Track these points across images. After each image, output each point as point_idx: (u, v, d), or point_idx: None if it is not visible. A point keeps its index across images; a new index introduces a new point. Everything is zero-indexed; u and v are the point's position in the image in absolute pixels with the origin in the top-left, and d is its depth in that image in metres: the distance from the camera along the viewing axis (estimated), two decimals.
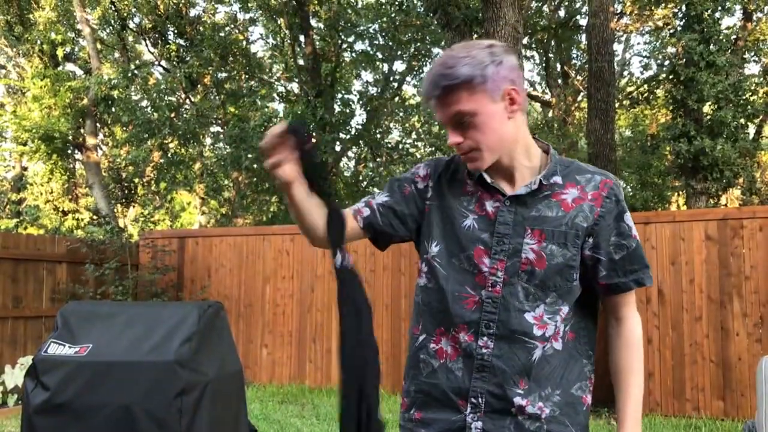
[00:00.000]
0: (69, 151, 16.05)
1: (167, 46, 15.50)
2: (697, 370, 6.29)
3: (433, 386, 1.60)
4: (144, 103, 14.09)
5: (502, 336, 1.54)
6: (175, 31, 15.59)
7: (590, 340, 1.67)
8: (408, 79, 17.77)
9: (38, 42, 15.27)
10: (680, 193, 16.51)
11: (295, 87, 16.53)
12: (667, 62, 11.92)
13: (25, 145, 15.17)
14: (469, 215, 1.62)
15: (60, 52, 15.57)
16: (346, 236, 1.70)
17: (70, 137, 14.73)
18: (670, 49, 11.96)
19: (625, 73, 19.71)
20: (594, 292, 1.65)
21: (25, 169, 19.35)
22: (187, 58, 14.70)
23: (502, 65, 1.56)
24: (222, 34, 15.13)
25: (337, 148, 14.99)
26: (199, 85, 15.31)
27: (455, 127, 1.57)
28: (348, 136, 14.97)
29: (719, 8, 10.95)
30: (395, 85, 17.64)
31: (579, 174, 1.63)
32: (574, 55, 19.12)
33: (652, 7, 13.48)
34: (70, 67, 17.08)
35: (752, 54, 13.80)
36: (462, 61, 1.54)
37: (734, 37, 12.43)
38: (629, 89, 17.53)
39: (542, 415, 1.56)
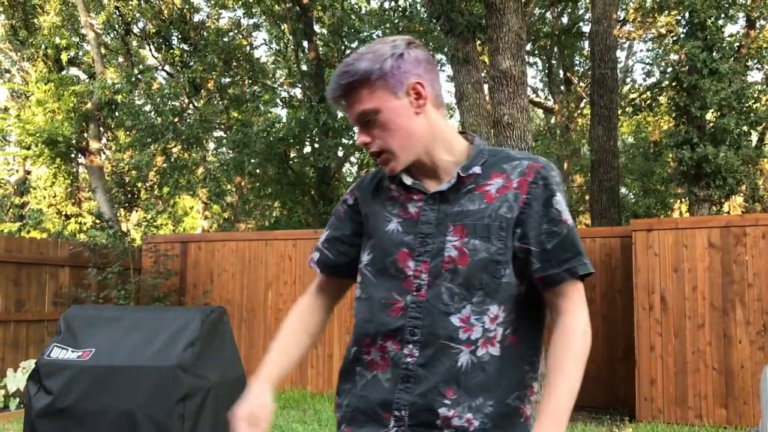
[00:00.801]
0: (72, 155, 16.09)
1: (171, 50, 15.54)
2: (700, 377, 6.28)
3: (362, 399, 1.52)
4: (147, 107, 14.11)
5: (427, 342, 1.45)
6: (179, 36, 15.63)
7: (534, 344, 1.52)
8: None
9: (42, 46, 15.32)
10: (683, 200, 16.50)
11: (298, 92, 16.56)
12: (670, 69, 11.92)
13: (28, 148, 15.21)
14: (392, 219, 1.55)
15: (64, 57, 15.62)
16: (332, 301, 1.75)
17: (74, 141, 14.76)
18: (673, 57, 11.97)
19: (628, 80, 19.73)
20: (537, 290, 1.50)
21: (28, 172, 19.38)
22: (191, 63, 14.74)
23: (403, 58, 1.48)
24: (226, 39, 15.15)
25: (340, 154, 15.00)
26: (202, 90, 15.34)
27: (362, 127, 1.51)
28: (351, 142, 14.97)
29: (722, 16, 10.96)
30: None
31: (506, 162, 1.53)
32: (577, 62, 19.16)
33: (655, 15, 13.49)
34: (74, 71, 17.13)
35: (755, 61, 13.81)
36: (363, 57, 1.48)
37: (737, 44, 12.45)
38: (632, 96, 17.55)
39: (470, 428, 1.42)
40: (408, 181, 1.55)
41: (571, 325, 1.46)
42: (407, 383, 1.45)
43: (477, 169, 1.51)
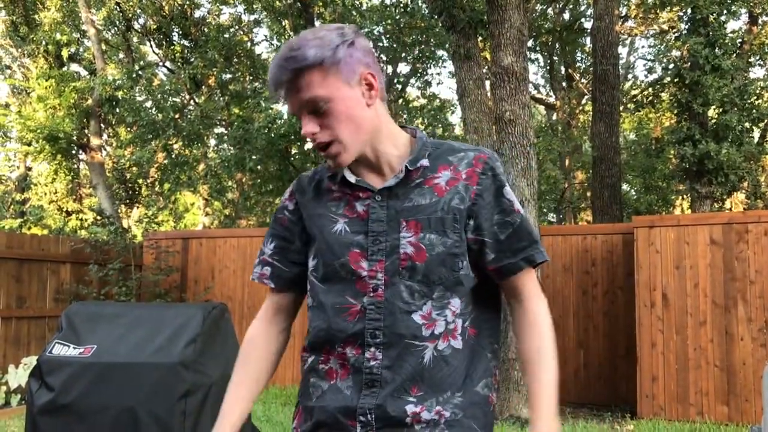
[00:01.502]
0: (73, 152, 16.08)
1: (172, 47, 15.52)
2: (701, 374, 6.27)
3: (322, 410, 1.45)
4: (148, 103, 14.10)
5: (391, 343, 1.40)
6: (180, 32, 15.61)
7: (494, 332, 1.52)
8: (412, 81, 17.75)
9: (43, 42, 15.30)
10: (685, 196, 16.48)
11: None
12: (672, 66, 11.90)
13: (29, 145, 15.21)
14: (339, 220, 1.48)
15: (65, 53, 15.60)
16: (290, 321, 1.66)
17: (75, 137, 14.76)
18: (675, 53, 11.94)
19: (630, 76, 19.69)
20: (491, 280, 1.50)
21: (29, 169, 19.39)
22: (192, 59, 14.72)
23: (355, 47, 1.42)
24: (227, 36, 15.13)
25: None
26: (203, 86, 15.33)
27: (309, 116, 1.42)
28: None
29: (725, 12, 10.92)
30: (399, 87, 17.63)
31: (451, 154, 1.50)
32: (579, 58, 19.12)
33: (657, 11, 13.47)
34: (74, 67, 17.12)
35: (758, 58, 13.78)
36: (310, 43, 1.40)
37: (740, 40, 12.41)
38: (634, 92, 17.51)
39: (441, 420, 1.40)
40: (351, 178, 1.48)
41: (536, 312, 1.48)
42: (372, 388, 1.41)
43: (425, 162, 1.47)
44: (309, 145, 15.07)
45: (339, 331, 1.43)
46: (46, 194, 18.15)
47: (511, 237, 1.46)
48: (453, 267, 1.43)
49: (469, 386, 1.45)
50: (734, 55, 11.13)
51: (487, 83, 9.50)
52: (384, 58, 16.90)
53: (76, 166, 17.62)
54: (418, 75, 17.55)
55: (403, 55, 16.82)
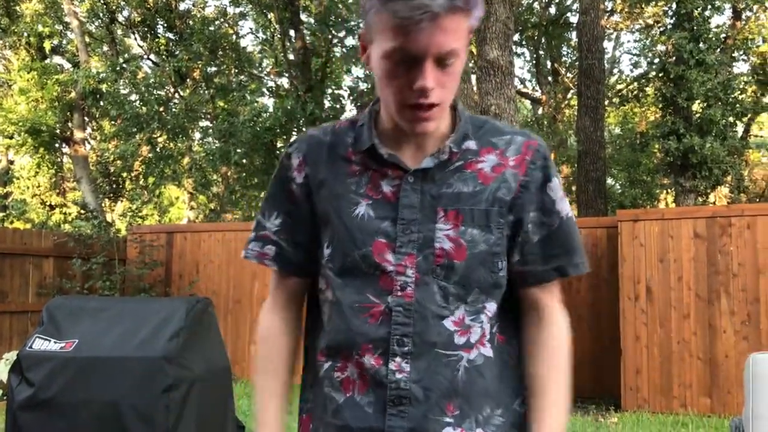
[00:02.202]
0: (56, 145, 15.95)
1: (156, 39, 15.41)
2: (685, 367, 6.32)
3: (342, 430, 1.22)
4: (133, 97, 14.01)
5: (421, 353, 1.19)
6: (165, 25, 15.50)
7: (518, 341, 1.33)
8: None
9: (25, 34, 15.14)
10: (669, 190, 16.60)
11: (285, 82, 16.47)
12: (657, 60, 11.97)
13: (11, 138, 15.06)
14: (360, 201, 1.23)
15: (47, 45, 15.44)
16: (300, 304, 1.37)
17: (58, 131, 14.63)
18: (660, 47, 12.00)
19: (615, 70, 19.78)
20: (511, 282, 1.30)
21: (11, 162, 19.20)
22: (177, 52, 14.62)
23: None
24: (212, 29, 15.05)
25: None
26: (188, 80, 15.24)
27: (433, 66, 1.12)
28: None
29: (709, 7, 10.99)
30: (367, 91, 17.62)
31: (496, 135, 1.28)
32: (565, 53, 19.18)
33: (643, 5, 13.52)
34: (57, 60, 16.94)
35: (741, 53, 13.86)
36: None
37: (724, 35, 12.49)
38: (619, 87, 17.60)
39: None
40: (383, 151, 1.24)
41: (557, 332, 1.29)
42: (400, 406, 1.19)
43: (471, 144, 1.25)
44: (294, 139, 15.00)
45: (359, 334, 1.21)
46: (28, 188, 18.00)
47: (545, 241, 1.27)
48: (492, 268, 1.24)
49: (507, 403, 1.27)
50: (718, 49, 11.21)
51: (473, 77, 9.50)
52: None
53: (59, 159, 17.48)
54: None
55: None
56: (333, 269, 1.25)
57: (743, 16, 13.78)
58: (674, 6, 11.16)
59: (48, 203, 17.80)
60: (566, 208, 1.29)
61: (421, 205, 1.21)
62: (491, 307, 1.25)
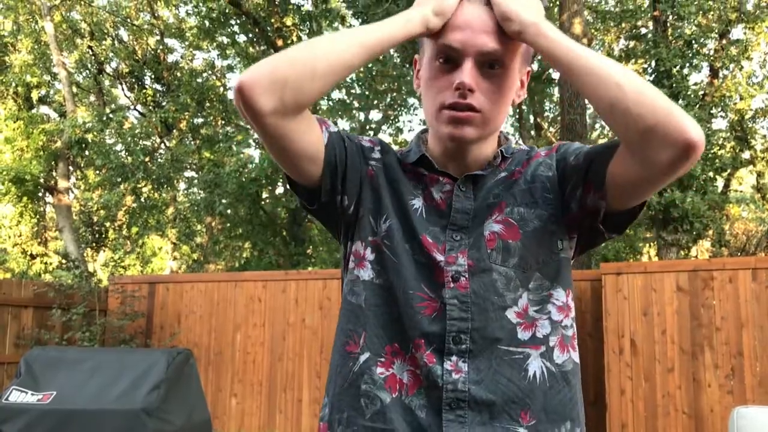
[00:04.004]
0: (40, 194, 15.88)
1: (144, 90, 15.53)
2: (670, 421, 6.27)
3: None
4: (118, 146, 14.04)
5: (481, 351, 1.08)
6: (152, 76, 15.65)
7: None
8: (384, 127, 17.96)
9: (13, 84, 15.22)
10: (651, 244, 16.73)
11: None
12: None
13: None
14: (418, 196, 1.20)
15: (35, 95, 15.52)
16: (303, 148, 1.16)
17: (42, 180, 14.59)
18: None
19: (597, 125, 20.11)
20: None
21: None
22: (164, 103, 14.74)
23: None
24: (199, 80, 15.21)
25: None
26: (174, 130, 15.32)
27: (474, 66, 1.12)
28: None
29: (687, 65, 11.28)
30: (371, 133, 17.81)
31: (528, 154, 1.28)
32: (547, 108, 19.52)
33: (623, 62, 13.83)
34: (44, 109, 17.02)
35: (719, 109, 14.17)
36: None
37: (702, 92, 12.79)
38: (601, 142, 17.85)
39: None
40: (434, 163, 1.22)
41: None
42: (457, 410, 1.06)
43: (525, 148, 1.28)
44: (280, 190, 15.08)
45: (411, 327, 1.11)
46: (10, 237, 17.83)
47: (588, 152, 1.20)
48: (552, 247, 1.16)
49: (582, 420, 1.15)
50: (697, 106, 11.46)
51: None
52: (356, 105, 17.09)
53: (42, 208, 17.39)
54: (391, 122, 17.77)
55: (376, 102, 17.04)
56: (390, 248, 1.16)
57: (720, 74, 14.13)
58: (653, 64, 11.45)
59: (29, 253, 17.62)
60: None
61: (474, 213, 1.17)
62: (559, 295, 1.16)
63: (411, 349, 1.10)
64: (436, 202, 1.18)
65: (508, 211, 1.16)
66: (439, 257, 1.13)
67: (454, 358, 1.08)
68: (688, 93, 10.99)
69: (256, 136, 16.50)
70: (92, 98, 17.28)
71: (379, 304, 1.14)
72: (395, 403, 1.09)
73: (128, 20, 16.07)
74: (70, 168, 15.89)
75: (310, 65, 1.04)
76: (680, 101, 10.73)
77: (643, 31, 12.98)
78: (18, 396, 3.37)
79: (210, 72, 16.68)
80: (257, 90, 1.02)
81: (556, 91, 17.30)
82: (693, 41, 11.32)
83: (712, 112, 13.61)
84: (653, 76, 11.49)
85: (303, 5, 14.51)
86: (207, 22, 14.18)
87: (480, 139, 1.17)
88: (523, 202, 1.16)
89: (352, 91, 16.67)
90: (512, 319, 1.10)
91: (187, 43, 16.13)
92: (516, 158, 1.25)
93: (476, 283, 1.11)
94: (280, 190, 14.74)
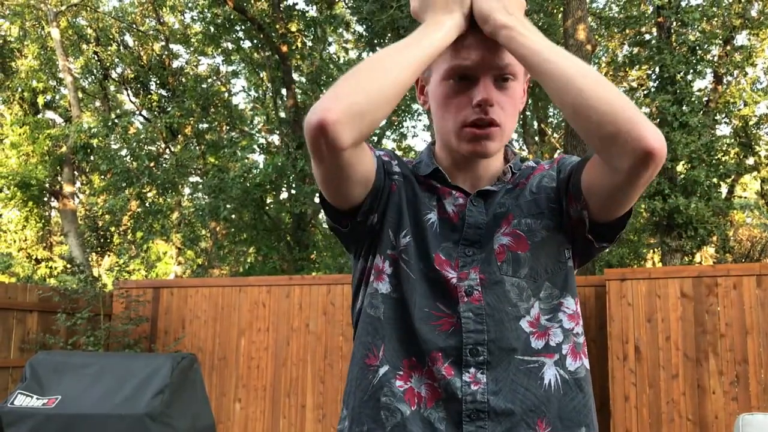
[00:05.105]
0: (45, 199, 15.94)
1: (149, 96, 15.59)
2: (674, 428, 6.26)
3: None
4: (123, 152, 14.09)
5: (498, 362, 1.10)
6: (158, 82, 15.72)
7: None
8: (388, 133, 17.98)
9: (19, 89, 15.29)
10: (655, 250, 16.70)
11: (276, 139, 16.64)
12: None
13: (0, 191, 15.05)
14: (433, 210, 1.22)
15: (41, 100, 15.59)
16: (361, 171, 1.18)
17: (47, 185, 14.64)
18: (645, 109, 12.23)
19: None
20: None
21: None
22: (169, 109, 14.78)
23: None
24: (204, 86, 15.26)
25: (317, 200, 15.04)
26: (179, 135, 15.37)
27: (492, 81, 1.15)
28: None
29: (691, 71, 11.27)
30: (375, 139, 17.82)
31: (533, 168, 1.32)
32: (551, 113, 19.51)
33: (627, 69, 13.84)
34: (50, 114, 17.11)
35: (723, 116, 14.17)
36: None
37: (706, 98, 12.78)
38: None
39: None
40: (448, 177, 1.24)
41: None
42: (478, 421, 1.07)
43: (531, 162, 1.29)
44: (284, 195, 15.11)
45: (426, 341, 1.12)
46: (15, 241, 17.88)
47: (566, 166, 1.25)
48: (559, 257, 1.19)
49: (596, 425, 1.17)
50: (701, 112, 11.45)
51: None
52: None
53: (47, 213, 17.44)
54: (394, 127, 17.78)
55: None
56: (408, 264, 1.17)
57: (724, 81, 14.13)
58: (657, 70, 11.44)
59: (34, 257, 17.67)
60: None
61: (486, 226, 1.19)
62: (569, 304, 1.18)
63: (428, 363, 1.11)
64: (449, 215, 1.20)
65: (515, 223, 1.18)
66: (451, 274, 1.14)
67: (472, 369, 1.09)
68: (692, 99, 10.98)
69: (261, 141, 16.43)
70: (98, 103, 17.35)
71: (396, 318, 1.15)
72: (414, 415, 1.10)
73: (134, 26, 16.15)
74: (75, 173, 15.95)
75: (383, 94, 1.06)
76: (684, 107, 10.73)
77: (647, 37, 12.97)
78: (23, 400, 3.38)
79: (215, 77, 16.75)
80: (340, 126, 1.02)
81: None
82: (697, 47, 11.31)
83: (716, 118, 13.61)
84: (657, 82, 11.49)
85: (308, 11, 14.55)
86: (212, 28, 14.22)
87: (498, 151, 1.22)
88: (530, 213, 1.19)
89: None
90: (526, 329, 1.12)
91: (192, 48, 16.18)
92: (523, 172, 1.28)
93: (490, 295, 1.13)
94: (284, 195, 14.77)
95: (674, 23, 11.51)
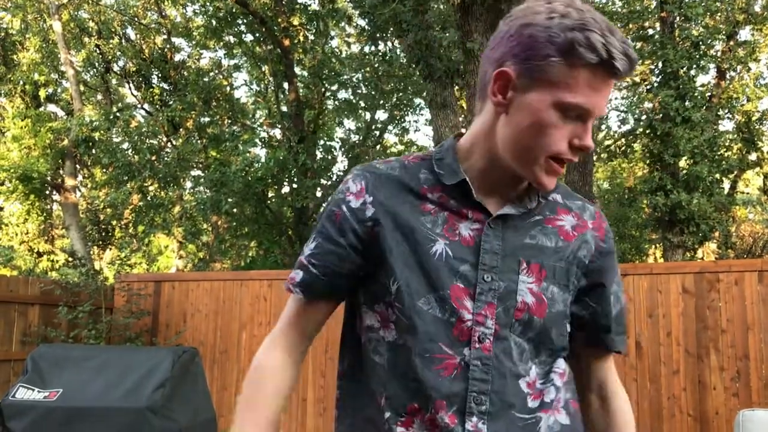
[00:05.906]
0: (47, 192, 15.95)
1: (151, 89, 15.58)
2: (675, 424, 6.26)
3: None
4: (125, 145, 14.09)
5: (498, 414, 1.10)
6: (159, 75, 15.70)
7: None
8: (390, 127, 17.95)
9: (21, 82, 15.28)
10: (657, 245, 16.68)
11: (277, 133, 16.63)
12: (644, 117, 12.16)
13: (2, 184, 15.06)
14: (437, 239, 1.14)
15: (42, 93, 15.58)
16: (308, 343, 1.24)
17: (49, 178, 14.65)
18: (647, 105, 12.21)
19: (603, 126, 20.06)
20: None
21: (0, 209, 19.15)
22: (170, 102, 14.77)
23: None
24: (206, 80, 15.24)
25: (318, 194, 15.03)
26: (181, 129, 15.36)
27: (578, 120, 1.11)
28: (329, 182, 15.03)
29: (694, 66, 11.25)
30: (377, 133, 17.80)
31: (570, 198, 1.26)
32: None
33: None
34: (51, 107, 17.09)
35: (726, 111, 14.14)
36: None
37: (709, 94, 12.75)
38: (607, 143, 17.82)
39: None
40: (474, 190, 1.16)
41: (628, 414, 1.29)
42: None
43: (557, 196, 1.23)
44: (286, 189, 15.10)
45: (431, 387, 1.10)
46: (17, 234, 17.90)
47: (620, 314, 1.26)
48: (562, 331, 1.19)
49: None
50: (704, 108, 11.43)
51: (464, 131, 9.62)
52: (363, 105, 17.09)
53: (49, 206, 17.45)
54: (396, 122, 17.75)
55: (382, 102, 17.03)
56: (401, 310, 1.13)
57: (727, 76, 14.09)
58: (660, 65, 11.42)
59: (36, 250, 17.69)
60: None
61: (503, 253, 1.14)
62: (560, 365, 1.19)
63: (431, 410, 1.10)
64: (464, 237, 1.15)
65: (544, 287, 1.15)
66: (466, 315, 1.11)
67: (474, 419, 1.09)
68: (695, 94, 10.95)
69: (262, 135, 16.41)
70: (99, 97, 17.34)
71: (399, 364, 1.14)
72: None
73: (135, 19, 16.12)
74: (77, 166, 15.95)
75: None
76: (687, 103, 10.70)
77: (650, 32, 12.94)
78: (24, 393, 3.38)
79: (217, 71, 16.72)
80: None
81: None
82: (700, 42, 11.28)
83: (719, 113, 13.58)
84: (660, 77, 11.46)
85: (310, 5, 14.54)
86: (214, 22, 14.20)
87: None
88: (560, 282, 1.17)
89: (359, 90, 16.68)
90: (524, 389, 1.13)
91: (194, 42, 16.15)
92: (551, 205, 1.23)
93: (498, 347, 1.12)
94: (286, 189, 14.77)
95: (677, 18, 11.48)
